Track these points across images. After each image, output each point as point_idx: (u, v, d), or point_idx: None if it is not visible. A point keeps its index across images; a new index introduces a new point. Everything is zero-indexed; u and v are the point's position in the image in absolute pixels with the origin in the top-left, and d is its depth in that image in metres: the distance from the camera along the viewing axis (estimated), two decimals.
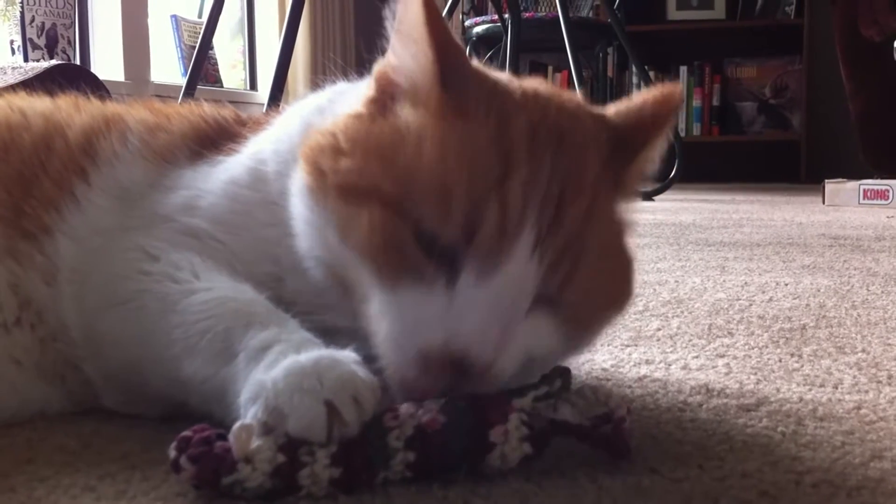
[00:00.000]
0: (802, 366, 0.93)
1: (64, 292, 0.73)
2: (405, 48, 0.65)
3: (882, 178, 3.57)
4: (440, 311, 0.58)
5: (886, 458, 0.65)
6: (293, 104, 0.83)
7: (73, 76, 2.33)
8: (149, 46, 4.23)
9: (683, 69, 5.76)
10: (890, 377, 0.88)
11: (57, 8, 3.64)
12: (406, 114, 0.64)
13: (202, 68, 3.14)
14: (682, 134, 5.47)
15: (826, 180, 3.63)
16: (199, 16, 4.64)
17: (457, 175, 0.59)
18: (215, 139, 0.81)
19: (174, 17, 4.53)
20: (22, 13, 3.52)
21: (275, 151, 0.75)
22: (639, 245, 2.07)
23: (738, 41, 5.74)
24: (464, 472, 0.58)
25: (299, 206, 0.67)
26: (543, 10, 5.05)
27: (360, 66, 0.77)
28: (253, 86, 5.24)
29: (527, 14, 4.35)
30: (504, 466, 0.58)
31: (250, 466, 0.54)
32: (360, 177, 0.62)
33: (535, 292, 0.61)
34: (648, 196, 3.58)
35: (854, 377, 0.88)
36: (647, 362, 0.94)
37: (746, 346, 1.02)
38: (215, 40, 3.78)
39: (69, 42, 3.71)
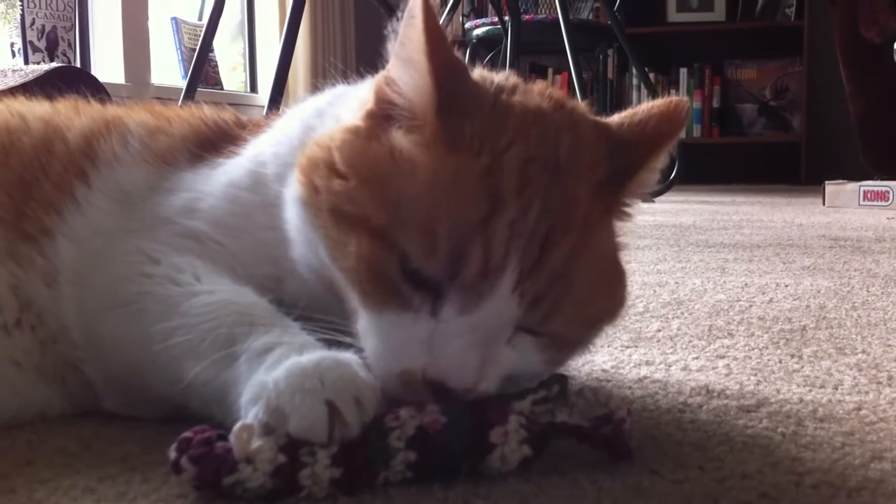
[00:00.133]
0: (802, 367, 0.93)
1: (65, 294, 0.73)
2: (404, 70, 0.64)
3: (882, 179, 3.57)
4: (422, 338, 0.60)
5: (886, 459, 0.65)
6: (293, 107, 0.83)
7: (74, 79, 2.33)
8: (149, 49, 4.23)
9: (683, 71, 5.76)
10: (890, 378, 0.88)
11: (57, 10, 3.64)
12: (400, 140, 0.63)
13: (202, 71, 3.14)
14: (683, 135, 5.45)
15: (826, 182, 3.63)
16: (200, 18, 4.64)
17: (443, 212, 0.59)
18: (215, 142, 0.81)
19: (174, 19, 4.53)
20: (22, 16, 3.52)
21: (275, 154, 0.75)
22: (639, 247, 2.08)
23: (739, 43, 5.74)
24: (464, 472, 0.58)
25: (293, 214, 0.67)
26: (543, 12, 5.06)
27: (360, 69, 0.77)
28: (253, 88, 5.25)
29: (527, 16, 4.35)
30: (504, 468, 0.59)
31: (251, 467, 0.54)
32: (351, 203, 0.62)
33: (517, 324, 0.62)
34: (649, 197, 3.58)
35: (854, 378, 0.88)
36: (648, 363, 0.94)
37: (746, 348, 1.02)
38: (215, 43, 3.78)
39: (69, 45, 3.71)
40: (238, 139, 0.80)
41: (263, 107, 2.66)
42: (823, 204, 3.56)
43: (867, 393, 0.83)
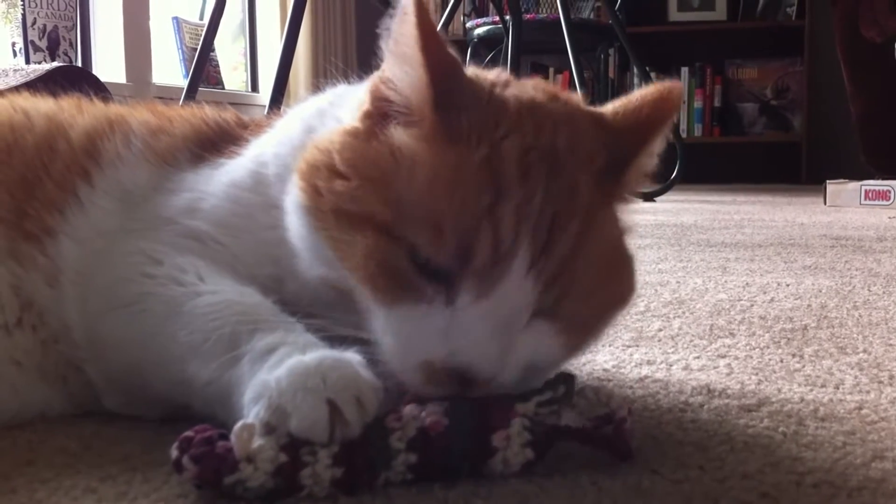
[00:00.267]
0: (804, 366, 0.93)
1: (66, 294, 0.73)
2: (399, 67, 0.64)
3: (883, 178, 3.57)
4: (441, 328, 0.59)
5: (888, 458, 0.65)
6: (294, 107, 0.83)
7: (75, 78, 2.33)
8: (150, 48, 4.23)
9: (685, 70, 5.76)
10: (891, 377, 0.88)
11: (58, 10, 3.64)
12: (399, 136, 0.64)
13: (203, 70, 3.14)
14: (684, 135, 5.47)
15: (827, 181, 3.63)
16: (201, 18, 4.65)
17: (448, 202, 0.60)
18: (216, 142, 0.81)
19: (176, 19, 4.53)
20: (23, 15, 3.52)
21: (276, 154, 0.75)
22: (640, 246, 2.08)
23: (740, 42, 5.74)
24: (464, 474, 0.58)
25: (296, 223, 0.67)
26: (545, 11, 5.06)
27: (361, 69, 0.77)
28: (254, 88, 5.25)
29: (528, 15, 4.35)
30: (506, 471, 0.58)
31: (252, 466, 0.54)
32: (355, 202, 0.62)
33: (533, 308, 0.62)
34: (649, 197, 3.58)
35: (855, 377, 0.88)
36: (649, 363, 0.94)
37: (748, 347, 1.02)
38: (217, 42, 3.79)
39: (71, 44, 3.71)
40: (239, 139, 0.80)
41: (265, 106, 2.66)
42: (825, 203, 3.56)
43: (868, 392, 0.83)
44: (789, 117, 5.73)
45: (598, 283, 0.65)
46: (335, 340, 0.62)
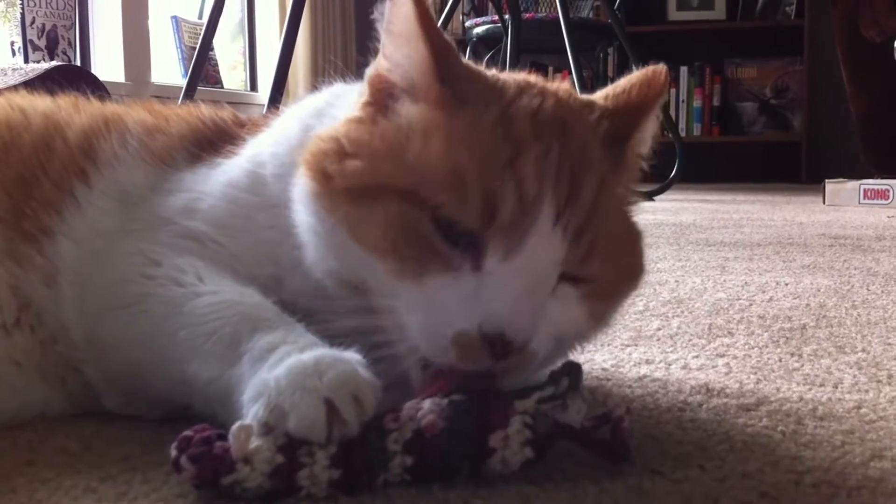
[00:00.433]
0: (802, 365, 0.93)
1: (65, 294, 0.73)
2: (398, 48, 0.65)
3: (882, 178, 3.57)
4: (470, 295, 0.59)
5: (886, 457, 0.65)
6: (291, 107, 0.83)
7: (74, 77, 2.33)
8: (149, 47, 4.23)
9: (684, 69, 5.76)
10: (890, 377, 0.88)
11: (57, 9, 3.64)
12: (407, 110, 0.64)
13: (202, 69, 3.14)
14: (683, 134, 5.46)
15: (826, 180, 3.63)
16: (200, 17, 4.64)
17: (468, 160, 0.60)
18: (213, 141, 0.81)
19: (174, 18, 4.53)
20: (22, 14, 3.52)
21: (273, 154, 0.75)
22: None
23: (739, 42, 5.74)
24: (463, 475, 0.58)
25: (304, 213, 0.66)
26: (544, 10, 5.06)
27: (360, 68, 0.77)
28: (253, 87, 5.24)
29: (527, 15, 4.35)
30: (505, 470, 0.58)
31: (249, 467, 0.54)
32: (371, 175, 0.62)
33: (560, 268, 0.61)
34: (649, 196, 3.58)
35: (854, 377, 0.88)
36: (648, 362, 0.94)
37: (746, 346, 1.02)
38: (216, 41, 3.79)
39: (69, 43, 3.71)
40: (236, 138, 0.80)
41: (264, 105, 2.66)
42: (823, 202, 3.56)
43: (867, 391, 0.83)
44: (789, 117, 5.73)
45: (618, 244, 0.65)
46: (336, 341, 0.62)
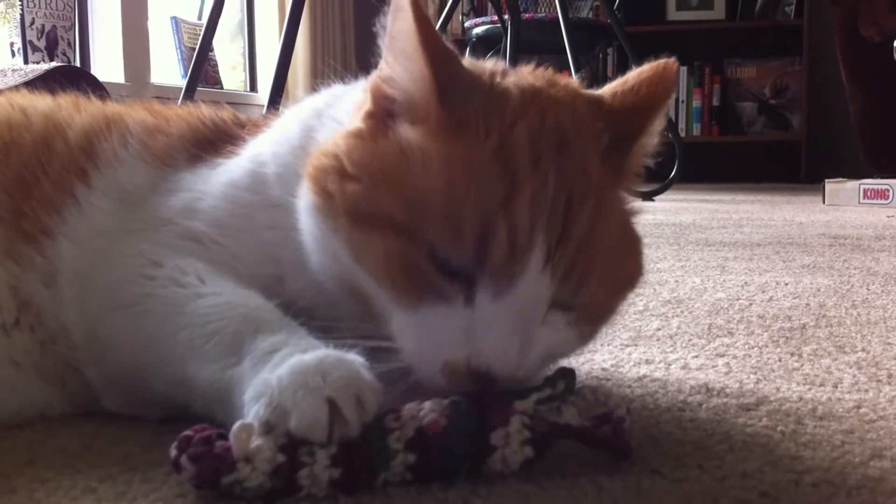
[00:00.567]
0: (802, 365, 0.93)
1: (64, 295, 0.73)
2: (399, 63, 0.64)
3: (882, 177, 3.57)
4: (462, 328, 0.60)
5: (886, 456, 0.65)
6: (290, 107, 0.83)
7: (74, 78, 2.32)
8: (149, 48, 4.23)
9: (683, 69, 5.76)
10: (890, 376, 0.88)
11: (57, 10, 3.64)
12: (406, 133, 0.63)
13: (202, 70, 3.14)
14: (682, 134, 5.47)
15: (826, 180, 3.63)
16: (199, 17, 4.64)
17: (463, 199, 0.60)
18: (213, 141, 0.81)
19: (174, 18, 4.53)
20: (22, 15, 3.52)
21: (274, 154, 0.75)
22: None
23: (738, 41, 5.74)
24: (463, 474, 0.58)
25: (309, 224, 0.67)
26: (543, 10, 5.05)
27: (360, 68, 0.77)
28: (253, 87, 5.24)
29: (526, 15, 4.35)
30: (505, 469, 0.58)
31: (250, 466, 0.54)
32: (369, 203, 0.62)
33: (551, 301, 0.62)
34: (648, 196, 3.58)
35: (854, 376, 0.88)
36: (647, 362, 0.94)
37: (746, 346, 1.02)
38: (215, 42, 3.78)
39: (69, 44, 3.71)
40: (237, 139, 0.80)
41: (263, 106, 2.66)
42: (823, 202, 3.56)
43: (867, 391, 0.83)
44: (788, 116, 5.74)
45: (611, 266, 0.65)
46: (338, 342, 0.62)
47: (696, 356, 0.97)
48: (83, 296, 0.72)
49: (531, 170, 0.60)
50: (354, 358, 0.59)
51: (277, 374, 0.56)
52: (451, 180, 0.60)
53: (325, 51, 5.20)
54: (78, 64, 3.78)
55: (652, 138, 0.70)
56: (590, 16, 5.40)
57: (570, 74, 3.62)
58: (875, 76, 4.12)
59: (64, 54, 3.65)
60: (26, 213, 0.75)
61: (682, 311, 1.24)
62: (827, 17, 4.70)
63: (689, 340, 1.05)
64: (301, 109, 0.79)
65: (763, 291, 1.41)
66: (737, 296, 1.37)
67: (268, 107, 2.44)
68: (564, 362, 0.70)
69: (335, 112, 0.74)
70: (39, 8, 3.58)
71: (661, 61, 0.70)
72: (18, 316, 0.73)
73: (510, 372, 0.59)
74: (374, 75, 0.67)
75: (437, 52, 0.63)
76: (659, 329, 1.11)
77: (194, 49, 3.16)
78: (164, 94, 3.76)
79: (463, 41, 4.78)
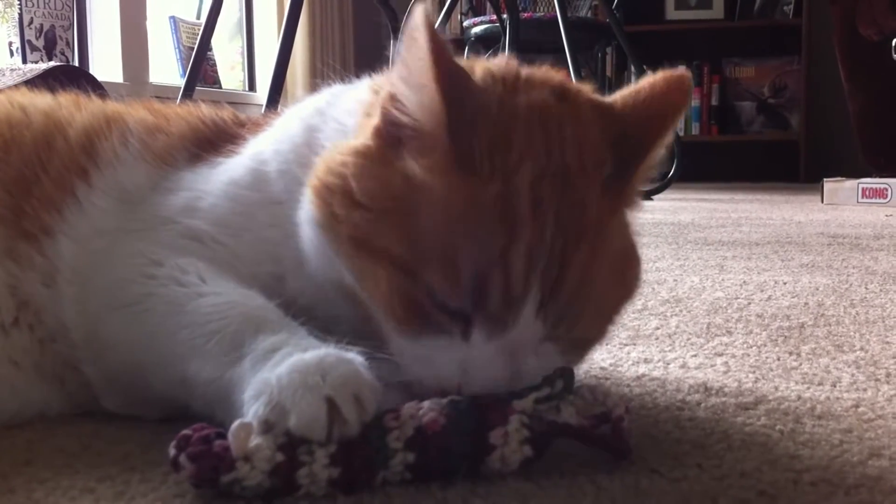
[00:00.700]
0: (801, 364, 0.93)
1: (64, 294, 0.73)
2: (411, 90, 0.63)
3: (881, 176, 3.57)
4: (457, 359, 0.61)
5: (885, 455, 0.65)
6: (291, 107, 0.83)
7: (72, 78, 2.32)
8: (147, 48, 4.23)
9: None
10: (888, 375, 0.89)
11: (55, 9, 3.63)
12: (412, 165, 0.63)
13: (201, 69, 3.14)
14: (681, 133, 5.46)
15: (825, 179, 3.63)
16: (198, 17, 4.64)
17: (462, 245, 0.60)
18: (214, 140, 0.81)
19: (172, 18, 4.53)
20: (20, 15, 3.51)
21: (276, 152, 0.75)
22: (637, 244, 2.07)
23: (737, 41, 5.74)
24: (462, 473, 0.58)
25: (310, 235, 0.67)
26: (542, 10, 5.05)
27: (359, 67, 0.77)
28: (252, 87, 5.24)
29: (525, 14, 4.34)
30: (504, 468, 0.58)
31: (249, 465, 0.54)
32: (374, 234, 0.63)
33: (542, 338, 0.63)
34: (647, 195, 3.58)
35: (852, 375, 0.88)
36: (646, 361, 0.94)
37: (745, 345, 1.02)
38: (214, 41, 3.78)
39: (67, 44, 3.70)
40: (237, 138, 0.80)
41: (262, 105, 2.66)
42: (822, 201, 3.57)
43: (865, 390, 0.83)
44: (787, 116, 5.74)
45: (605, 301, 0.67)
46: (339, 341, 0.62)
47: (695, 355, 0.97)
48: (83, 295, 0.72)
49: (531, 216, 0.61)
50: (354, 357, 0.59)
51: (277, 373, 0.57)
52: (451, 223, 0.61)
53: (324, 50, 5.20)
54: (76, 63, 3.77)
55: (660, 152, 0.69)
56: (588, 15, 5.40)
57: (569, 74, 3.63)
58: (874, 75, 4.12)
59: (62, 54, 3.65)
60: (27, 211, 0.75)
61: (680, 311, 1.24)
62: (826, 17, 4.71)
63: (688, 339, 1.05)
64: (302, 108, 0.79)
65: (762, 290, 1.41)
66: (735, 295, 1.37)
67: (266, 106, 2.44)
68: None
69: (337, 111, 0.74)
70: (38, 7, 3.57)
71: (677, 73, 0.69)
72: (17, 315, 0.73)
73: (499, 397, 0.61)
74: (385, 91, 0.66)
75: (450, 84, 0.62)
76: (657, 328, 1.11)
77: (193, 48, 3.16)
78: (163, 94, 3.75)
79: (461, 40, 4.77)
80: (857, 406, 0.78)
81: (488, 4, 4.84)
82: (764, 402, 0.78)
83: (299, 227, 0.68)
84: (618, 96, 0.70)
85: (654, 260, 1.79)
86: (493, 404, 0.59)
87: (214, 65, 4.76)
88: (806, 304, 1.29)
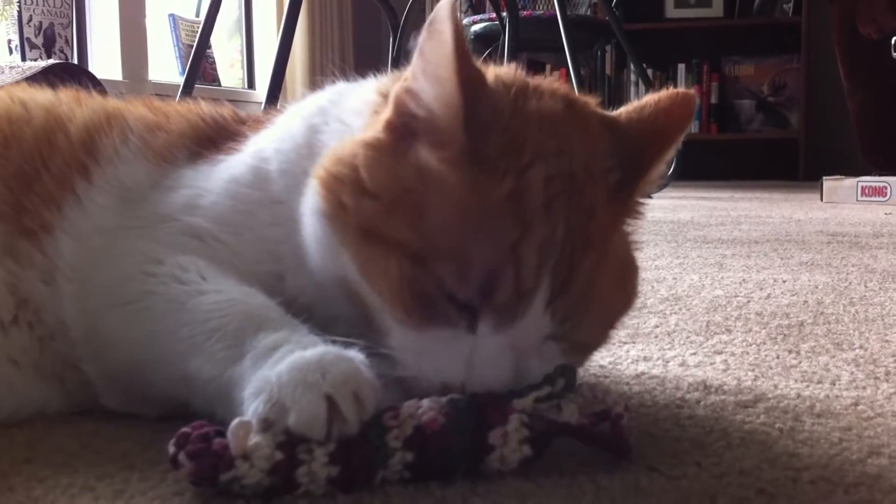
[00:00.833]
0: (800, 362, 0.93)
1: (63, 292, 0.73)
2: (430, 84, 0.63)
3: (880, 174, 3.57)
4: (462, 353, 0.61)
5: (884, 454, 0.65)
6: (293, 105, 0.83)
7: (71, 75, 2.32)
8: (146, 45, 4.22)
9: (681, 67, 5.76)
10: (887, 373, 0.89)
11: (54, 7, 3.63)
12: (426, 157, 0.63)
13: (200, 67, 3.13)
14: None
15: (824, 177, 3.63)
16: (197, 15, 4.63)
17: (474, 238, 0.61)
18: (214, 138, 0.81)
19: (172, 16, 4.52)
20: (19, 12, 3.51)
21: (277, 150, 0.75)
22: (637, 242, 2.06)
23: (736, 39, 5.73)
24: (461, 473, 0.58)
25: (313, 226, 0.67)
26: (541, 8, 5.05)
27: (359, 66, 0.77)
28: (251, 85, 5.24)
29: (525, 12, 4.34)
30: (503, 468, 0.58)
31: (248, 463, 0.54)
32: (385, 225, 0.62)
33: (547, 336, 0.64)
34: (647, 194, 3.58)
35: (852, 373, 0.88)
36: (645, 359, 0.94)
37: (744, 343, 1.02)
38: (213, 39, 3.78)
39: (67, 41, 3.70)
40: (237, 135, 0.80)
41: (261, 103, 2.66)
42: (821, 199, 3.57)
43: (865, 388, 0.83)
44: (786, 114, 5.73)
45: (608, 306, 0.68)
46: (338, 340, 0.62)
47: (694, 353, 0.97)
48: (83, 293, 0.72)
49: (543, 215, 0.61)
50: (355, 355, 0.59)
51: (277, 371, 0.57)
52: (464, 217, 0.61)
53: (323, 48, 5.19)
54: (75, 61, 3.77)
55: (661, 167, 0.71)
56: (588, 13, 5.39)
57: (569, 72, 3.62)
58: (873, 74, 4.12)
59: (61, 51, 3.65)
60: (27, 207, 0.75)
61: (679, 309, 1.24)
62: (825, 15, 4.71)
63: (687, 337, 1.05)
64: (305, 107, 0.79)
65: (761, 289, 1.41)
66: (735, 293, 1.37)
67: (265, 104, 2.44)
68: None
69: (340, 111, 0.74)
70: (37, 5, 3.57)
71: (682, 92, 0.70)
72: (16, 313, 0.73)
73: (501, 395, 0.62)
74: (400, 85, 0.66)
75: (469, 80, 0.62)
76: (657, 326, 1.11)
77: (192, 46, 3.16)
78: (162, 92, 3.75)
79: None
80: (856, 404, 0.78)
81: (488, 2, 4.84)
82: (763, 400, 0.78)
83: (301, 218, 0.68)
84: (622, 111, 0.72)
85: (654, 258, 1.79)
86: (492, 403, 0.59)
87: (214, 63, 4.76)
88: (805, 302, 1.29)
